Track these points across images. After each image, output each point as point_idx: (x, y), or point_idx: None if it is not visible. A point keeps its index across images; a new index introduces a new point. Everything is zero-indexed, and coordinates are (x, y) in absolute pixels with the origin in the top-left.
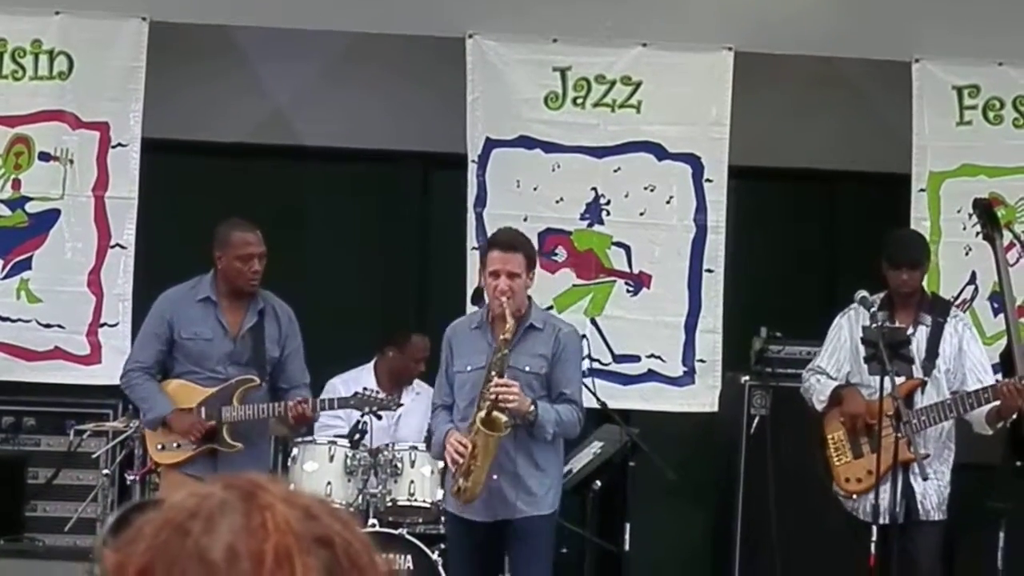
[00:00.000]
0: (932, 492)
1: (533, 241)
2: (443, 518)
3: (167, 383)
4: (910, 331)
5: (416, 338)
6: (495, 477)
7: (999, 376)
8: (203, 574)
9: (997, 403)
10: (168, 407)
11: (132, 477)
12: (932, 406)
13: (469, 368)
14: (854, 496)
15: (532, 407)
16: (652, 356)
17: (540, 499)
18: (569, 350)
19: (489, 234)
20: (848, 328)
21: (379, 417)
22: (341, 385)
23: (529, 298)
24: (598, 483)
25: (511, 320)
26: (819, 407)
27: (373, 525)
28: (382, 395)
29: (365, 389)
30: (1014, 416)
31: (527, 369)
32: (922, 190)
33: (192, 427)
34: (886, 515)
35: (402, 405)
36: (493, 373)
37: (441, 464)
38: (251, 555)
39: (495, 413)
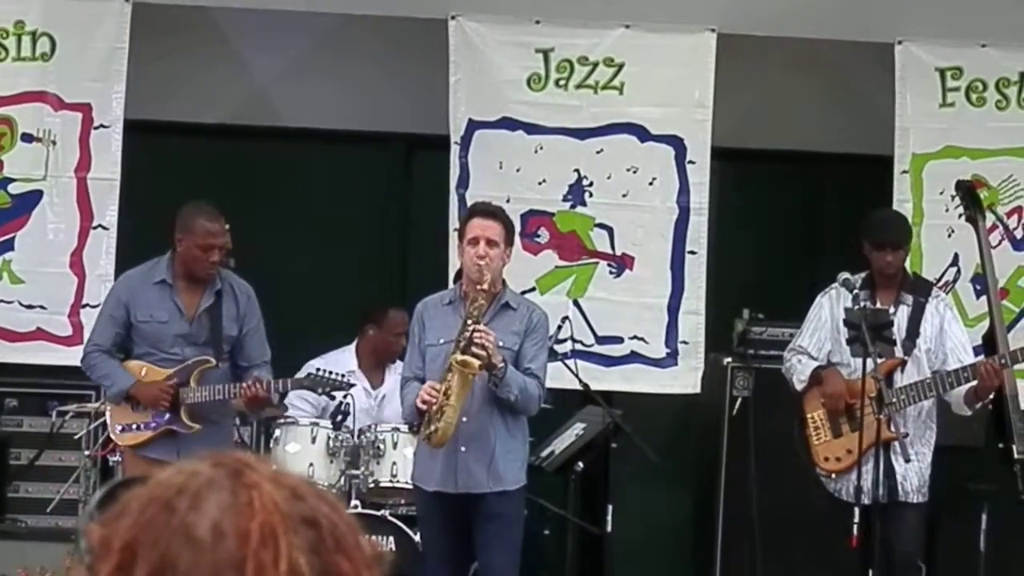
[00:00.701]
0: (913, 474)
1: (516, 223)
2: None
3: (126, 364)
4: (891, 310)
5: (393, 312)
6: (463, 449)
7: (981, 358)
8: (188, 551)
9: (975, 383)
10: (130, 379)
11: (115, 458)
12: (912, 385)
13: (442, 341)
14: (833, 475)
15: (503, 362)
16: (635, 338)
17: (505, 474)
18: (540, 329)
19: None
20: (829, 307)
21: (332, 398)
22: (322, 366)
23: (503, 281)
24: (580, 465)
25: (487, 274)
26: (799, 387)
27: (355, 506)
28: (335, 375)
29: (318, 369)
30: (991, 397)
31: (501, 344)
32: (904, 172)
33: (158, 396)
34: (868, 496)
35: (354, 385)
36: (470, 322)
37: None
38: (237, 533)
39: (465, 358)
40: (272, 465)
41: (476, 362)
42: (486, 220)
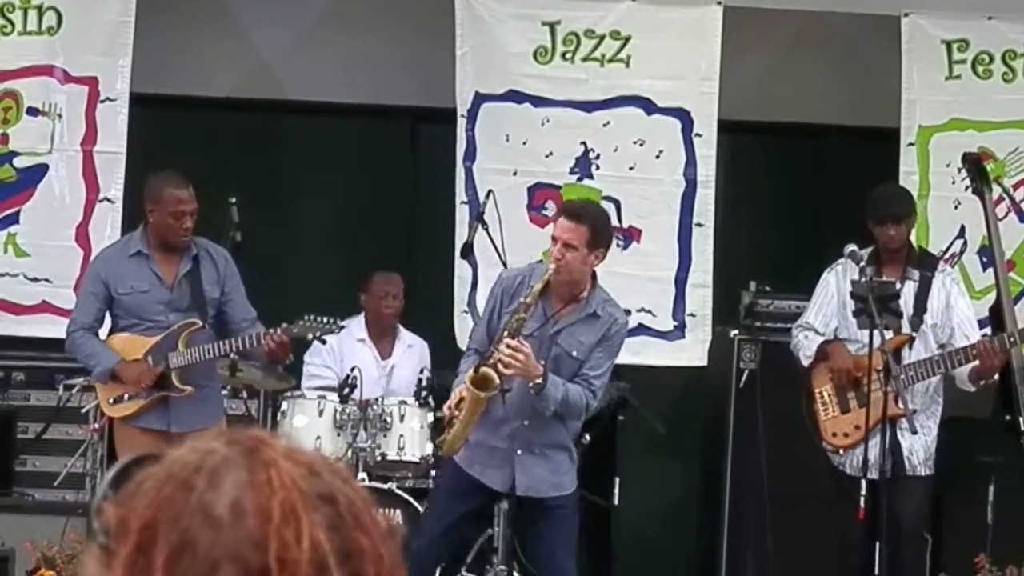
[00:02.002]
0: (919, 447)
1: (522, 195)
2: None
3: (112, 337)
4: (898, 286)
5: (378, 276)
6: (519, 452)
7: (987, 330)
8: (208, 529)
9: (977, 363)
10: (114, 359)
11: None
12: (920, 362)
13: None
14: (841, 451)
15: (540, 378)
16: (642, 310)
17: (564, 478)
18: (614, 338)
19: (478, 188)
20: (835, 283)
21: (323, 342)
22: (332, 337)
23: (594, 278)
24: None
25: (538, 286)
26: (805, 363)
27: (362, 479)
28: (324, 319)
29: (307, 316)
30: (995, 377)
31: (574, 354)
32: (911, 144)
33: (141, 375)
34: (874, 469)
35: (344, 327)
36: (506, 332)
37: (430, 417)
38: (257, 511)
39: (486, 370)
40: (285, 441)
41: (496, 380)
42: (570, 222)
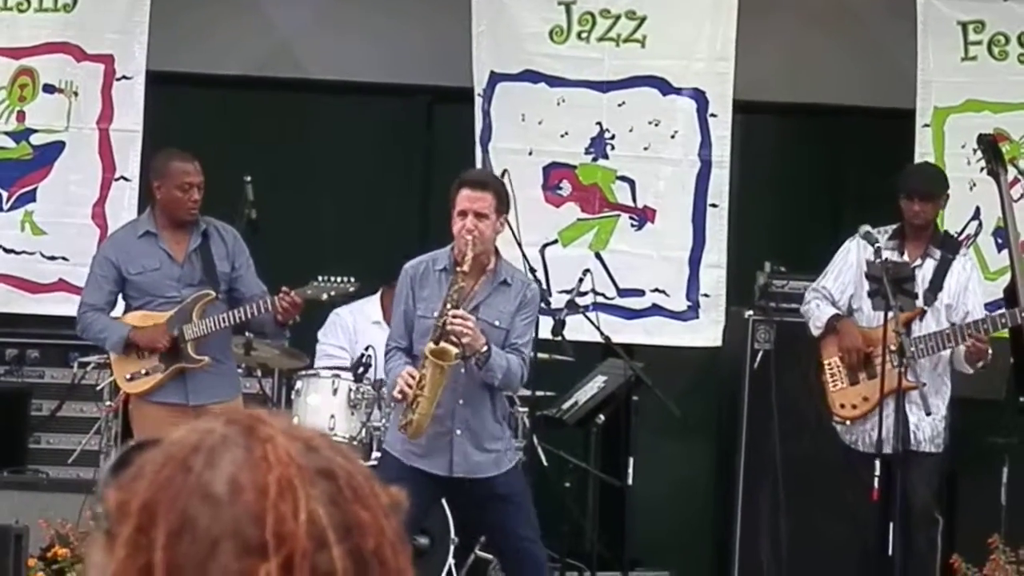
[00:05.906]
0: (925, 424)
1: (538, 175)
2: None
3: (127, 316)
4: (918, 262)
5: None
6: (458, 432)
7: (1001, 311)
8: (206, 508)
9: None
10: (126, 328)
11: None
12: (931, 335)
13: (436, 314)
14: (847, 422)
15: (486, 347)
16: (656, 290)
17: (505, 454)
18: (532, 305)
19: (494, 167)
20: (856, 252)
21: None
22: (347, 315)
23: (496, 251)
24: (601, 417)
25: (469, 254)
26: (815, 333)
27: (377, 458)
28: (337, 279)
29: (320, 278)
30: (984, 362)
31: (497, 324)
32: (926, 125)
33: (155, 338)
34: (886, 444)
35: (359, 286)
36: (449, 305)
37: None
38: (254, 487)
39: (444, 344)
40: (285, 419)
41: (454, 350)
42: (475, 191)
